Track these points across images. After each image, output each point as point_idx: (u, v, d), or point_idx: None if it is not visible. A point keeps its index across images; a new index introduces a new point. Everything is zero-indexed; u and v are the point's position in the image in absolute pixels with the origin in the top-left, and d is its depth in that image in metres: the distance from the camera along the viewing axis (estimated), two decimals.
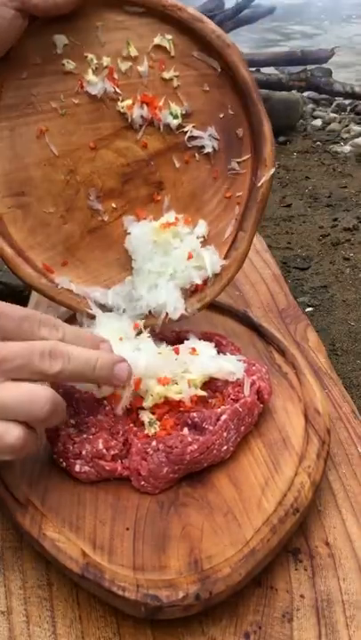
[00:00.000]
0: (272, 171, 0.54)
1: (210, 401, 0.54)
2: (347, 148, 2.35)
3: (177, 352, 0.55)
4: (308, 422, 0.55)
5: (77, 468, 0.50)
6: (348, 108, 2.81)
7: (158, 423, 0.52)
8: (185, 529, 0.47)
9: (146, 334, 0.55)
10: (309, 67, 2.49)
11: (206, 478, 0.51)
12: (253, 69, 2.47)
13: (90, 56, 0.53)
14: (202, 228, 0.57)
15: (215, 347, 0.58)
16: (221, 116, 0.55)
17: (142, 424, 0.52)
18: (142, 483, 0.49)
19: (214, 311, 0.74)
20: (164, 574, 0.43)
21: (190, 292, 0.58)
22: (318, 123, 2.66)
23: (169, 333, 0.60)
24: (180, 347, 0.56)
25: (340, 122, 2.67)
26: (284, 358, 0.64)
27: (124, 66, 0.53)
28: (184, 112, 0.55)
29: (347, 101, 2.83)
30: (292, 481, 0.50)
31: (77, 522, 0.47)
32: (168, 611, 0.41)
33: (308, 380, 0.60)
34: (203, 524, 0.47)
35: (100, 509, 0.48)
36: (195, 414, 0.52)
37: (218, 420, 0.51)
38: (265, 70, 2.51)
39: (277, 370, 0.63)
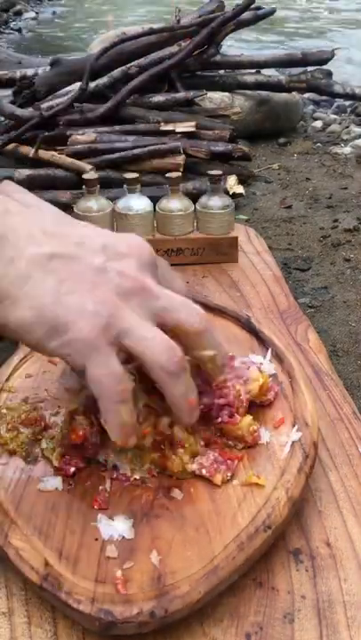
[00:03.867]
0: None
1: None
2: (347, 150, 2.35)
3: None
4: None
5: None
6: (349, 110, 2.81)
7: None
8: (154, 542, 0.46)
9: None
10: (310, 68, 2.48)
11: (185, 489, 0.50)
12: (254, 71, 2.47)
13: None
14: None
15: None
16: None
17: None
18: None
19: (217, 314, 0.73)
20: (124, 588, 0.42)
21: None
22: (319, 124, 2.66)
23: None
24: None
25: (340, 123, 2.67)
26: (281, 367, 0.63)
27: None
28: None
29: (347, 103, 2.83)
30: (269, 496, 0.48)
31: (47, 530, 0.46)
32: (122, 627, 0.40)
33: (301, 390, 0.59)
34: (173, 537, 0.46)
35: (72, 518, 0.48)
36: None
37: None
38: (265, 72, 2.50)
39: (274, 379, 0.61)
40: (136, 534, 0.46)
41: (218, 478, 0.50)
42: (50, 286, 0.44)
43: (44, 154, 1.89)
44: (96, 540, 0.46)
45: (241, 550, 0.44)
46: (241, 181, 1.92)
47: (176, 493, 0.50)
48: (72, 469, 0.51)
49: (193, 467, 0.51)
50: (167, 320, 0.47)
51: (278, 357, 0.64)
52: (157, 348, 0.45)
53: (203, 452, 0.52)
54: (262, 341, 0.67)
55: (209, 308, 0.72)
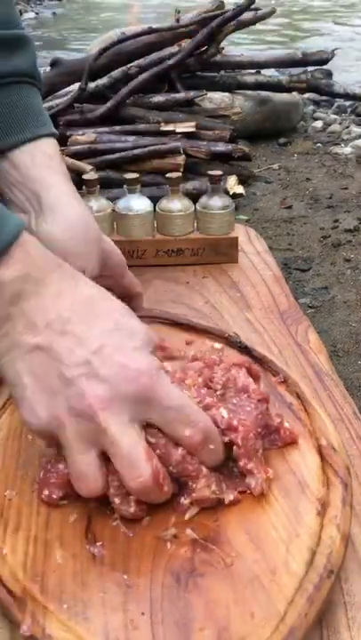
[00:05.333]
0: None
1: None
2: (347, 150, 2.35)
3: None
4: (324, 461, 0.50)
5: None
6: (349, 110, 2.81)
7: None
8: (209, 606, 0.40)
9: None
10: (310, 68, 2.49)
11: (222, 537, 0.45)
12: (254, 71, 2.47)
13: None
14: None
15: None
16: None
17: None
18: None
19: (202, 335, 0.69)
20: None
21: None
22: (319, 124, 2.66)
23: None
24: None
25: (340, 123, 2.67)
26: (285, 385, 0.59)
27: None
28: None
29: (347, 103, 2.83)
30: (319, 535, 0.44)
31: (85, 612, 0.40)
32: None
33: (316, 410, 0.55)
34: (228, 599, 0.41)
35: (109, 592, 0.42)
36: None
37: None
38: (265, 72, 2.50)
39: (280, 400, 0.58)
40: (186, 600, 0.41)
41: (258, 488, 0.47)
42: (25, 380, 0.46)
43: None
44: (143, 614, 0.40)
45: (311, 604, 0.39)
46: (241, 182, 1.92)
47: (215, 543, 0.45)
48: None
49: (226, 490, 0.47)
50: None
51: (279, 374, 0.60)
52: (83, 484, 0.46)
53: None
54: (256, 359, 0.63)
55: (195, 330, 0.69)
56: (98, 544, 0.46)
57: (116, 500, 0.46)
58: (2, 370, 0.47)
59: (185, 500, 0.47)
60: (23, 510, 0.49)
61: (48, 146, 0.65)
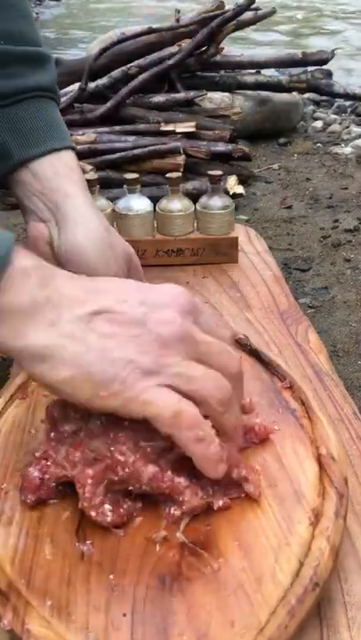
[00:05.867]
0: None
1: None
2: (348, 150, 2.35)
3: None
4: (322, 470, 0.49)
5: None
6: (349, 110, 2.81)
7: None
8: (191, 611, 0.40)
9: None
10: (310, 68, 2.48)
11: (212, 542, 0.45)
12: (254, 71, 2.47)
13: None
14: None
15: None
16: None
17: None
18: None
19: None
20: None
21: None
22: (319, 124, 2.66)
23: None
24: None
25: (340, 123, 2.67)
26: (291, 391, 0.59)
27: None
28: None
29: (347, 103, 2.83)
30: (308, 546, 0.43)
31: (68, 608, 0.40)
32: None
33: (319, 418, 0.54)
34: (211, 604, 0.41)
35: (94, 591, 0.42)
36: None
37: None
38: (265, 72, 2.50)
39: (284, 405, 0.57)
40: (170, 603, 0.41)
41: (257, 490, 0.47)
42: (93, 343, 0.45)
43: None
44: (124, 615, 0.40)
45: (292, 617, 0.39)
46: (241, 182, 1.92)
47: (204, 548, 0.44)
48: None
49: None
50: (207, 365, 0.48)
51: (285, 379, 0.60)
52: (210, 384, 0.47)
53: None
54: (265, 364, 0.63)
55: None
56: (88, 542, 0.46)
57: (92, 513, 0.46)
58: (71, 353, 0.45)
59: (175, 511, 0.47)
60: (18, 505, 0.49)
61: (69, 158, 0.68)
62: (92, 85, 2.10)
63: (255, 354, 0.65)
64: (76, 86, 2.10)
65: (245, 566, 0.43)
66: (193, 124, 1.91)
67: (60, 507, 0.49)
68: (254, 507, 0.47)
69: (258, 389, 0.59)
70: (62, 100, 2.10)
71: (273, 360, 0.63)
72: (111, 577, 0.43)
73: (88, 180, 0.96)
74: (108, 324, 0.46)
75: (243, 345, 0.66)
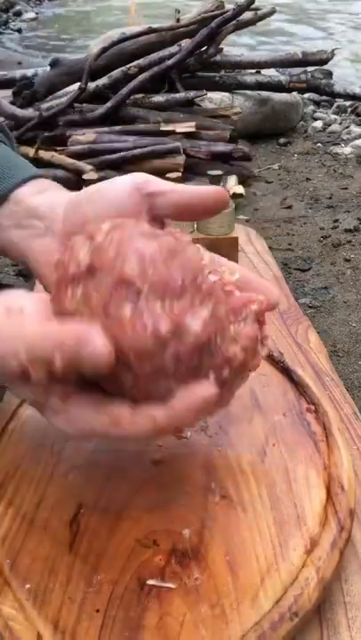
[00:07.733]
0: None
1: None
2: (347, 150, 2.35)
3: None
4: (329, 499, 0.48)
5: None
6: (349, 110, 2.81)
7: None
8: (162, 619, 0.40)
9: None
10: (310, 68, 2.49)
11: (201, 554, 0.44)
12: (254, 71, 2.47)
13: None
14: None
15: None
16: None
17: None
18: None
19: None
20: None
21: None
22: (319, 124, 2.66)
23: None
24: None
25: (340, 123, 2.67)
26: (315, 415, 0.57)
27: None
28: None
29: (347, 103, 2.83)
30: (297, 574, 0.42)
31: (44, 595, 0.41)
32: None
33: (337, 444, 0.52)
34: (184, 616, 0.40)
35: (73, 583, 0.42)
36: None
37: None
38: (266, 72, 2.50)
39: (306, 428, 0.56)
40: (143, 607, 0.40)
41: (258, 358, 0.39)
42: None
43: (45, 154, 1.89)
44: (97, 611, 0.40)
45: None
46: (241, 182, 1.92)
47: (192, 558, 0.43)
48: None
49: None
50: None
51: (313, 404, 0.58)
52: None
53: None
54: (295, 383, 0.61)
55: None
56: (79, 535, 0.46)
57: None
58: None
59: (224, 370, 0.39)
60: (21, 487, 0.50)
61: (45, 180, 0.62)
62: (92, 85, 2.10)
63: (286, 372, 0.63)
64: (75, 86, 2.10)
65: (229, 583, 0.42)
66: (193, 124, 1.91)
67: (60, 495, 0.49)
68: (252, 525, 0.46)
69: (283, 407, 0.58)
70: (62, 100, 2.10)
71: (303, 381, 0.61)
72: (93, 572, 0.43)
73: (88, 181, 0.95)
74: None
75: (276, 362, 0.64)
